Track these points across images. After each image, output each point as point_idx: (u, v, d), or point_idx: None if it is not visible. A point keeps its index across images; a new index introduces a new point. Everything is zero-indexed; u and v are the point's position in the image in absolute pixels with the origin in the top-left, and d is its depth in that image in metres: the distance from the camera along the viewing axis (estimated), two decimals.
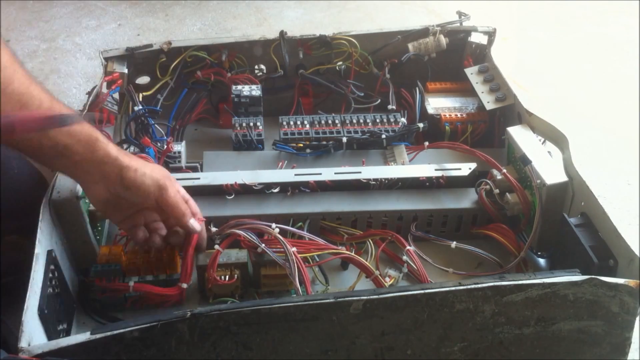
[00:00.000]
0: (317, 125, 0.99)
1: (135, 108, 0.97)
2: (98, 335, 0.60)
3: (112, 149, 0.70)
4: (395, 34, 1.09)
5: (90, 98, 0.95)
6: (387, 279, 0.82)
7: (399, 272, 0.83)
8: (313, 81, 1.09)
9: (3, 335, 0.73)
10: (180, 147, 0.95)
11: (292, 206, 0.86)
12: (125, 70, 1.01)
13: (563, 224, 0.78)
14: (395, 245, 0.86)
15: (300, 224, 0.84)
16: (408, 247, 0.84)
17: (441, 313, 0.66)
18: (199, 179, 0.87)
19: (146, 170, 0.71)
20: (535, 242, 0.83)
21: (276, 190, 0.86)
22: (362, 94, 1.09)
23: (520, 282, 0.66)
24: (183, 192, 0.76)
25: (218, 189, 0.87)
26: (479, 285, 0.65)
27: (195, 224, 0.76)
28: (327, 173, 0.89)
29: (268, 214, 0.84)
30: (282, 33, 1.07)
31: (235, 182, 0.86)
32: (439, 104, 1.04)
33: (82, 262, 0.80)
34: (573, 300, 0.67)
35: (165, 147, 0.91)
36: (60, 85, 1.43)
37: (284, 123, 1.00)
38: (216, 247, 0.77)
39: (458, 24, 1.10)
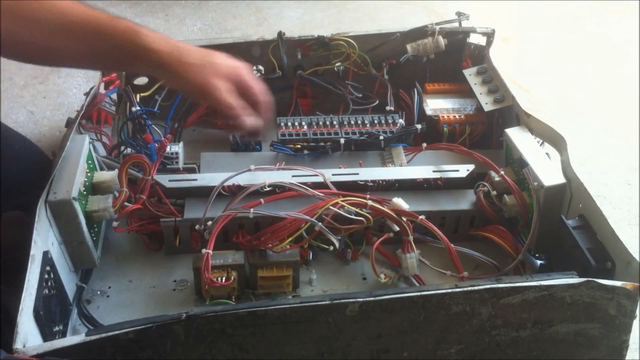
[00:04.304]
0: (315, 127, 0.99)
1: (133, 109, 0.97)
2: (93, 337, 0.60)
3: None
4: (394, 34, 1.09)
5: (88, 99, 0.95)
6: (382, 275, 0.82)
7: (395, 272, 0.83)
8: (311, 82, 1.09)
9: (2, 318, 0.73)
10: (177, 149, 0.95)
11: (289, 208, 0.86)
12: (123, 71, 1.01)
13: (561, 226, 0.78)
14: (393, 247, 0.86)
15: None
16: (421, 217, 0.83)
17: (437, 315, 0.66)
18: (196, 180, 0.87)
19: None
20: (533, 244, 0.83)
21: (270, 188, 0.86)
22: (361, 95, 1.08)
23: (516, 284, 0.66)
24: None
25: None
26: (476, 288, 0.65)
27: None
28: (325, 174, 0.88)
29: (265, 215, 0.84)
30: (280, 34, 1.07)
31: (233, 184, 0.86)
32: (437, 105, 1.04)
33: (79, 263, 0.80)
34: (570, 302, 0.67)
35: (162, 143, 0.91)
36: (60, 85, 1.43)
37: (282, 124, 0.99)
38: (203, 251, 0.77)
39: (457, 24, 1.10)
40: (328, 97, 1.10)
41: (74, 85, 1.43)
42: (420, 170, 0.91)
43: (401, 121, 1.00)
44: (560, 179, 0.80)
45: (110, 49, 0.71)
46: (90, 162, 0.85)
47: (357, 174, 0.89)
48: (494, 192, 0.86)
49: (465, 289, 0.65)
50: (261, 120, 0.77)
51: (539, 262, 0.86)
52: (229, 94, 0.73)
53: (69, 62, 0.77)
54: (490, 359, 0.69)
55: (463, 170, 0.90)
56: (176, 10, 1.76)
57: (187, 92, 0.76)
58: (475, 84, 1.04)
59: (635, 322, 0.69)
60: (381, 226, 0.88)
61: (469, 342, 0.68)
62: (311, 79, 1.09)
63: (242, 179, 0.86)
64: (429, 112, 1.03)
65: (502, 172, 0.86)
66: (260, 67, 1.09)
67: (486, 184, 0.87)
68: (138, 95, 1.01)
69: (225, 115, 0.74)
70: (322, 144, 0.96)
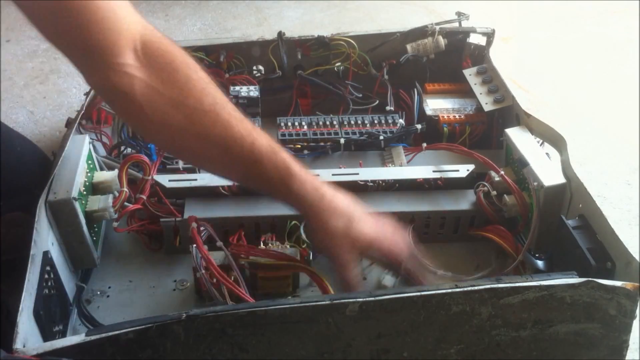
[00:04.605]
0: (315, 127, 0.99)
1: None
2: (93, 337, 0.60)
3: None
4: (394, 34, 1.09)
5: (88, 99, 0.95)
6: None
7: (395, 278, 0.83)
8: (311, 82, 1.09)
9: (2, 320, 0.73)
10: None
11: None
12: None
13: (561, 226, 0.78)
14: None
15: (294, 222, 0.84)
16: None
17: (438, 315, 0.66)
18: (196, 180, 0.87)
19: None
20: (533, 244, 0.83)
21: None
22: (361, 95, 1.09)
23: (517, 284, 0.65)
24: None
25: (215, 190, 0.87)
26: (476, 288, 0.65)
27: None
28: (325, 174, 0.88)
29: (265, 215, 0.84)
30: (280, 34, 1.07)
31: (233, 184, 0.86)
32: (437, 105, 1.04)
33: (79, 263, 0.80)
34: (570, 302, 0.66)
35: None
36: (60, 85, 1.43)
37: (282, 124, 0.99)
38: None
39: (457, 24, 1.10)
40: (328, 97, 1.10)
41: (74, 85, 1.43)
42: (420, 170, 0.91)
43: (401, 121, 1.00)
44: (560, 179, 0.80)
45: (261, 179, 0.71)
46: (90, 162, 0.85)
47: (357, 174, 0.89)
48: (494, 192, 0.86)
49: (465, 289, 0.65)
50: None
51: (539, 262, 0.86)
52: (355, 272, 0.72)
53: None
54: (490, 359, 0.69)
55: (463, 170, 0.90)
56: (176, 10, 1.76)
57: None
58: (475, 84, 1.04)
59: (635, 322, 0.69)
60: None
61: (469, 342, 0.68)
62: (311, 79, 1.09)
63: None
64: (429, 112, 1.03)
65: (502, 172, 0.86)
66: (260, 67, 1.09)
67: (486, 184, 0.87)
68: None
69: (342, 288, 0.73)
70: (322, 144, 0.96)
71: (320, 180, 0.73)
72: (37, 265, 0.68)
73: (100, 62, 0.64)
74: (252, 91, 1.03)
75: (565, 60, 1.56)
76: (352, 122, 1.00)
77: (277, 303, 0.63)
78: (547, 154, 0.86)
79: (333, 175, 0.88)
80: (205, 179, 0.88)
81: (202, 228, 0.81)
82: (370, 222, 0.73)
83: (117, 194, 0.84)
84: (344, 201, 0.72)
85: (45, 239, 0.72)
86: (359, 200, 0.75)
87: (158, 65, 0.66)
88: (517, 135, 0.89)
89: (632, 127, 1.30)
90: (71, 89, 1.42)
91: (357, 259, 0.72)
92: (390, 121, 1.00)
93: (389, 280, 0.83)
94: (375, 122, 1.00)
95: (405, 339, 0.67)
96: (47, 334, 0.66)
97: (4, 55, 1.52)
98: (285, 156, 0.70)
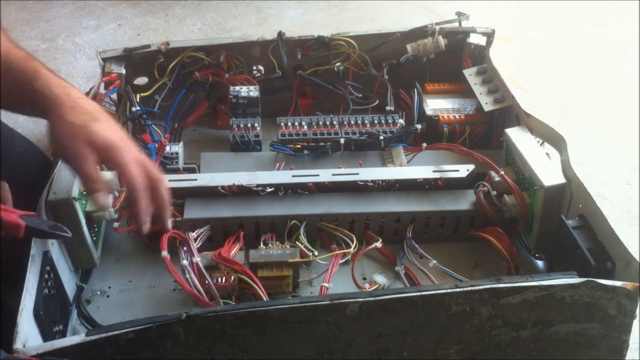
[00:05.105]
0: (315, 127, 0.99)
1: (133, 109, 0.97)
2: (93, 337, 0.60)
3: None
4: (394, 34, 1.09)
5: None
6: (367, 285, 0.82)
7: (386, 279, 0.83)
8: (311, 82, 1.09)
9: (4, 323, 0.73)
10: (177, 149, 0.95)
11: (289, 208, 0.86)
12: (123, 71, 1.01)
13: (561, 226, 0.78)
14: (393, 247, 0.86)
15: (293, 221, 0.84)
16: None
17: (437, 315, 0.66)
18: (196, 180, 0.87)
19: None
20: (533, 244, 0.83)
21: (271, 189, 0.86)
22: (360, 95, 1.08)
23: (516, 284, 0.65)
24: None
25: (215, 190, 0.87)
26: (476, 288, 0.65)
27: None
28: (325, 174, 0.89)
29: (265, 215, 0.84)
30: (280, 34, 1.07)
31: (233, 184, 0.86)
32: (437, 105, 1.04)
33: (79, 263, 0.80)
34: (570, 302, 0.66)
35: (161, 143, 0.91)
36: None
37: (282, 124, 0.99)
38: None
39: (457, 24, 1.10)
40: (328, 97, 1.10)
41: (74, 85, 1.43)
42: (420, 170, 0.91)
43: (401, 121, 1.00)
44: (560, 179, 0.80)
45: (12, 87, 0.69)
46: None
47: (357, 174, 0.89)
48: (494, 192, 0.86)
49: (465, 289, 0.65)
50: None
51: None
52: (92, 165, 0.67)
53: None
54: (490, 359, 0.69)
55: (463, 170, 0.90)
56: (176, 10, 1.76)
57: (56, 149, 0.71)
58: (475, 84, 1.04)
59: (635, 322, 0.69)
60: (381, 227, 0.88)
61: (469, 342, 0.68)
62: (311, 79, 1.09)
63: (243, 178, 0.87)
64: (429, 112, 1.03)
65: (502, 172, 0.86)
66: (260, 67, 1.09)
67: (486, 184, 0.87)
68: (138, 95, 1.01)
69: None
70: (322, 144, 0.96)
71: (73, 86, 0.70)
72: (37, 265, 0.68)
73: None
74: (252, 91, 1.03)
75: (565, 60, 1.56)
76: (352, 122, 1.00)
77: (277, 303, 0.64)
78: (547, 154, 0.86)
79: (333, 175, 0.88)
80: (205, 179, 0.88)
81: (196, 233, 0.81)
82: (114, 128, 0.69)
83: (117, 194, 0.84)
84: (90, 104, 0.70)
85: (45, 239, 0.72)
86: None
87: None
88: (517, 135, 0.89)
89: (632, 127, 1.30)
90: None
91: (94, 158, 0.67)
92: (390, 121, 1.00)
93: (380, 279, 0.83)
94: (375, 122, 1.00)
95: (405, 339, 0.67)
96: (47, 334, 0.66)
97: None
98: (37, 64, 0.70)
